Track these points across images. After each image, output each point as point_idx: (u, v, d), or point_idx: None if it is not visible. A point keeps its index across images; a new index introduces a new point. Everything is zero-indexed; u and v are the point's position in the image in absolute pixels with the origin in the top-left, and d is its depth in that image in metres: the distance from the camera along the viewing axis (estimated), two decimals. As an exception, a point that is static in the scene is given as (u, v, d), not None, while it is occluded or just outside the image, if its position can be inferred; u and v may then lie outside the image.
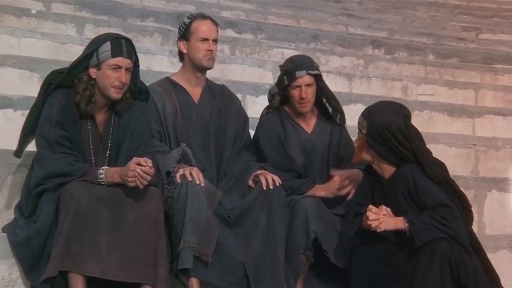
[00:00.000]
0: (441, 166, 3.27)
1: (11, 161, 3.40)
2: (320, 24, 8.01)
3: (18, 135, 3.30)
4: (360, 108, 4.41)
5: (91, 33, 5.69)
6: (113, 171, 3.07)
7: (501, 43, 8.43)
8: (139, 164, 2.98)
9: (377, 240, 3.18)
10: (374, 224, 3.09)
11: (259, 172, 3.46)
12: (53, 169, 3.06)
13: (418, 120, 5.18)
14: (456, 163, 5.11)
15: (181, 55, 3.67)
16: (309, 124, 3.78)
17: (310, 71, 3.64)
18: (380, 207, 3.14)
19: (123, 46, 3.17)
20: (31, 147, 3.31)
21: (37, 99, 3.25)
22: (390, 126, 3.20)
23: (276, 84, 3.79)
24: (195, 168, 3.32)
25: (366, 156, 3.29)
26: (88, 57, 3.17)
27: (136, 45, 3.31)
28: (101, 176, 3.06)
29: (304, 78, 3.63)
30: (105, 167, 3.09)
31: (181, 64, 3.72)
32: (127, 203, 3.04)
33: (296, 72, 3.63)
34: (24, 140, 3.28)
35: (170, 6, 7.27)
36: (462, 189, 3.34)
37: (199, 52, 3.56)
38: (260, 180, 3.39)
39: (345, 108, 3.99)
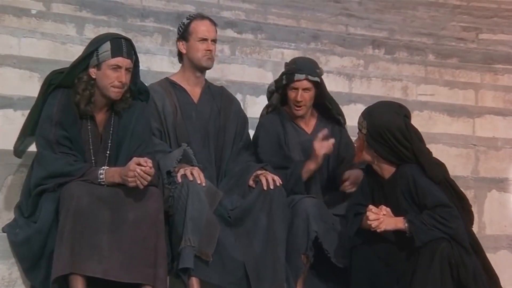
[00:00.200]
0: (441, 166, 3.27)
1: (11, 161, 3.40)
2: (320, 24, 8.01)
3: (18, 135, 3.30)
4: (360, 108, 4.40)
5: (91, 33, 5.69)
6: (113, 171, 3.07)
7: (501, 43, 8.43)
8: (139, 164, 2.98)
9: (377, 240, 3.18)
10: (374, 224, 3.09)
11: (259, 172, 3.46)
12: (53, 169, 3.06)
13: (418, 120, 5.18)
14: (456, 163, 5.11)
15: (180, 56, 3.67)
16: (308, 125, 3.79)
17: (309, 77, 3.63)
18: (380, 207, 3.14)
19: (123, 46, 3.16)
20: (32, 147, 3.31)
21: (37, 99, 3.25)
22: (390, 126, 3.20)
23: (275, 81, 3.79)
24: (196, 168, 3.32)
25: (366, 156, 3.29)
26: (88, 57, 3.17)
27: (136, 45, 3.31)
28: (101, 176, 3.05)
29: (302, 82, 3.63)
30: (105, 167, 3.09)
31: (180, 64, 3.72)
32: (127, 203, 3.04)
33: (296, 74, 3.63)
34: (22, 141, 3.28)
35: (170, 6, 7.27)
36: (462, 189, 3.34)
37: (198, 52, 3.57)
38: (260, 180, 3.40)
39: (345, 108, 3.99)
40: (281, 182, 3.41)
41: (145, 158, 3.02)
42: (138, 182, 2.99)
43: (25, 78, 4.55)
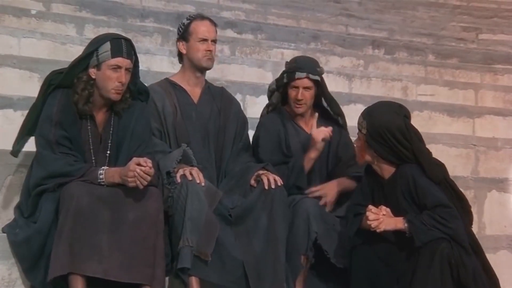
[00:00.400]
0: (441, 166, 3.27)
1: (11, 161, 3.40)
2: (320, 24, 8.02)
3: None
4: (360, 108, 4.41)
5: (91, 33, 5.69)
6: (113, 171, 3.07)
7: (501, 43, 8.43)
8: (139, 164, 2.98)
9: (377, 240, 3.18)
10: (373, 224, 3.09)
11: (261, 172, 3.47)
12: (53, 169, 3.06)
13: (418, 121, 5.18)
14: (456, 164, 5.11)
15: (180, 56, 3.67)
16: (308, 125, 3.79)
17: (310, 75, 3.64)
18: (379, 207, 3.14)
19: (123, 47, 3.16)
20: (31, 147, 3.31)
21: (37, 99, 3.25)
22: (390, 126, 3.21)
23: (276, 80, 3.80)
24: (195, 168, 3.32)
25: (366, 156, 3.29)
26: (88, 57, 3.17)
27: (136, 45, 3.31)
28: (101, 176, 3.05)
29: (303, 81, 3.64)
30: (105, 167, 3.09)
31: (180, 65, 3.73)
32: (127, 203, 3.04)
33: (297, 73, 3.64)
34: (20, 140, 3.28)
35: (170, 7, 7.27)
36: (462, 189, 3.35)
37: (198, 52, 3.57)
38: (262, 180, 3.40)
39: (345, 109, 3.99)
40: (282, 182, 3.41)
41: (145, 158, 3.02)
42: (138, 182, 2.99)
43: (25, 78, 4.56)
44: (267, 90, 3.91)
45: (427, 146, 3.32)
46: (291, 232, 3.39)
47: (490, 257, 3.33)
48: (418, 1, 9.43)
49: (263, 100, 3.98)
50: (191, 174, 3.27)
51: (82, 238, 2.93)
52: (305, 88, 3.65)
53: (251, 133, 3.82)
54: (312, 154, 3.60)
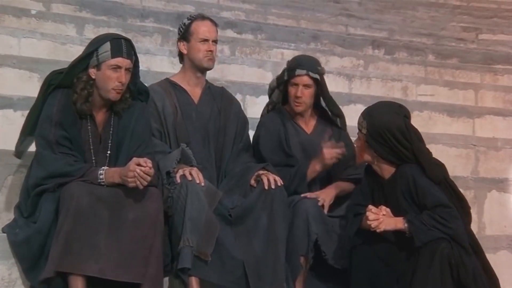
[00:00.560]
0: (441, 166, 3.27)
1: (11, 161, 3.40)
2: (320, 25, 8.02)
3: (18, 135, 3.30)
4: (360, 108, 4.41)
5: (91, 33, 5.69)
6: (113, 171, 3.07)
7: (501, 43, 8.43)
8: (138, 165, 2.98)
9: (377, 240, 3.18)
10: (373, 224, 3.09)
11: (261, 172, 3.47)
12: (53, 169, 3.06)
13: (418, 121, 5.18)
14: (456, 164, 5.11)
15: (181, 56, 3.67)
16: (308, 125, 3.80)
17: (310, 73, 3.65)
18: (379, 207, 3.14)
19: (123, 47, 3.16)
20: (31, 147, 3.31)
21: (37, 99, 3.25)
22: (390, 126, 3.21)
23: (276, 77, 3.80)
24: (195, 168, 3.32)
25: (366, 156, 3.30)
26: (88, 57, 3.17)
27: (136, 45, 3.31)
28: (101, 176, 3.05)
29: (303, 78, 3.65)
30: (105, 168, 3.09)
31: (181, 65, 3.72)
32: (127, 204, 3.04)
33: (297, 70, 3.66)
34: (22, 141, 3.28)
35: (170, 7, 7.28)
36: (462, 189, 3.35)
37: (199, 52, 3.57)
38: (262, 180, 3.40)
39: (345, 109, 3.99)
40: (282, 183, 3.41)
41: (145, 159, 3.02)
42: (138, 182, 2.98)
43: (25, 78, 4.55)
44: (267, 90, 3.92)
45: (427, 146, 3.32)
46: (290, 232, 3.39)
47: (490, 257, 3.32)
48: (418, 1, 9.44)
49: (263, 100, 3.98)
50: (190, 174, 3.27)
51: (81, 238, 2.93)
52: (305, 85, 3.66)
53: (251, 133, 3.82)
54: (318, 167, 3.61)
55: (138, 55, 3.29)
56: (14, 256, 3.12)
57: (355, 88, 6.18)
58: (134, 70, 3.26)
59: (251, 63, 5.94)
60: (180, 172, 3.28)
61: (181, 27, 3.63)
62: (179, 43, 3.64)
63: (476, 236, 3.30)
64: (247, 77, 5.71)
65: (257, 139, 3.76)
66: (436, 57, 7.76)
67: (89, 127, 3.21)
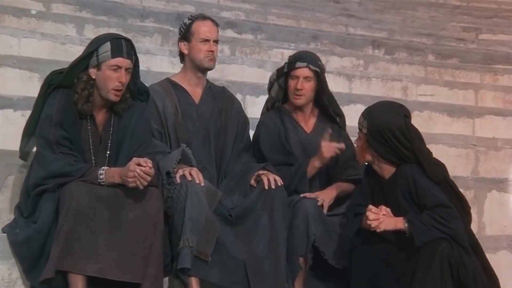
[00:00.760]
0: (441, 166, 3.27)
1: (11, 161, 3.40)
2: (320, 25, 8.02)
3: (18, 135, 3.30)
4: (360, 108, 4.41)
5: (91, 33, 5.69)
6: (113, 171, 3.06)
7: (501, 43, 8.44)
8: (139, 165, 2.98)
9: (377, 240, 3.18)
10: (373, 224, 3.09)
11: (261, 172, 3.47)
12: (53, 169, 3.06)
13: (418, 121, 5.18)
14: (456, 164, 5.11)
15: (182, 56, 3.66)
16: (308, 124, 3.80)
17: (311, 65, 3.66)
18: (379, 207, 3.14)
19: (123, 47, 3.16)
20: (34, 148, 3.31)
21: (37, 99, 3.25)
22: (391, 126, 3.21)
23: (276, 70, 3.81)
24: (195, 168, 3.32)
25: (367, 156, 3.30)
26: (88, 57, 3.17)
27: (136, 45, 3.31)
28: (101, 176, 3.05)
29: (303, 70, 3.66)
30: (105, 168, 3.09)
31: (181, 65, 3.72)
32: (127, 204, 3.04)
33: (297, 62, 3.67)
34: (26, 142, 3.28)
35: (170, 7, 7.28)
36: (462, 189, 3.35)
37: (200, 53, 3.56)
38: (262, 180, 3.40)
39: (345, 109, 3.99)
40: (282, 183, 3.41)
41: (145, 159, 3.02)
42: (138, 182, 2.98)
43: (25, 79, 4.56)
44: (268, 81, 3.91)
45: (427, 146, 3.32)
46: (289, 233, 3.39)
47: (490, 257, 3.33)
48: (418, 1, 9.44)
49: (263, 100, 3.98)
50: (190, 174, 3.27)
51: (81, 238, 2.94)
52: (305, 78, 3.67)
53: (251, 133, 3.82)
54: (317, 164, 3.61)
55: (138, 55, 3.29)
56: (14, 256, 3.12)
57: (355, 88, 6.18)
58: (134, 70, 3.25)
59: (251, 63, 5.94)
60: (180, 172, 3.28)
61: (182, 27, 3.63)
62: (180, 43, 3.63)
63: (476, 236, 3.30)
64: (247, 77, 5.71)
65: (257, 138, 3.76)
66: (436, 57, 7.76)
67: (89, 127, 3.21)
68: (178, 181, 3.25)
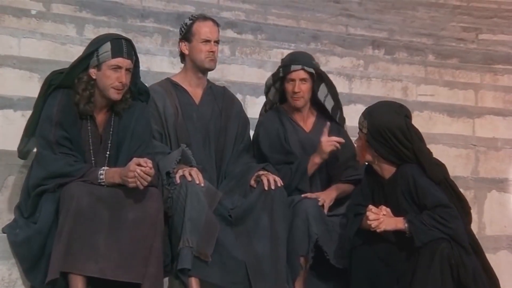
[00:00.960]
0: (441, 166, 3.27)
1: (11, 161, 3.40)
2: (320, 25, 8.02)
3: (18, 135, 3.30)
4: (360, 108, 4.41)
5: (91, 33, 5.69)
6: (113, 171, 3.07)
7: (501, 43, 8.44)
8: (139, 165, 2.98)
9: (377, 240, 3.18)
10: (374, 224, 3.09)
11: (261, 172, 3.47)
12: (53, 169, 3.06)
13: (418, 121, 5.17)
14: (456, 164, 5.11)
15: (182, 56, 3.66)
16: (307, 123, 3.80)
17: (305, 67, 3.65)
18: (380, 207, 3.14)
19: (123, 47, 3.17)
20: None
21: (38, 100, 3.25)
22: (391, 126, 3.21)
23: (272, 74, 3.81)
24: (195, 169, 3.32)
25: (367, 156, 3.30)
26: (88, 57, 3.18)
27: (136, 45, 3.31)
28: (101, 176, 3.05)
29: (298, 73, 3.66)
30: (105, 168, 3.09)
31: (181, 65, 3.72)
32: (127, 204, 3.04)
33: (292, 65, 3.67)
34: (26, 142, 3.28)
35: (170, 7, 7.28)
36: (462, 189, 3.35)
37: (201, 53, 3.56)
38: (262, 180, 3.40)
39: (345, 109, 3.99)
40: (282, 183, 3.41)
41: (145, 159, 3.02)
42: (138, 182, 2.99)
43: (25, 79, 4.55)
44: (264, 85, 3.91)
45: (427, 146, 3.32)
46: (290, 233, 3.39)
47: (490, 257, 3.33)
48: (418, 1, 9.45)
49: (263, 100, 3.98)
50: (190, 174, 3.27)
51: (82, 238, 2.94)
52: (302, 80, 3.67)
53: (251, 134, 3.82)
54: (317, 160, 3.61)
55: (138, 55, 3.29)
56: (14, 256, 3.12)
57: (355, 88, 6.18)
58: (135, 70, 3.26)
59: (251, 63, 5.94)
60: (180, 172, 3.28)
61: (183, 27, 3.63)
62: (180, 43, 3.63)
63: (476, 236, 3.30)
64: (247, 77, 5.71)
65: (256, 138, 3.76)
66: (436, 57, 7.76)
67: (89, 128, 3.21)
68: (178, 181, 3.25)
